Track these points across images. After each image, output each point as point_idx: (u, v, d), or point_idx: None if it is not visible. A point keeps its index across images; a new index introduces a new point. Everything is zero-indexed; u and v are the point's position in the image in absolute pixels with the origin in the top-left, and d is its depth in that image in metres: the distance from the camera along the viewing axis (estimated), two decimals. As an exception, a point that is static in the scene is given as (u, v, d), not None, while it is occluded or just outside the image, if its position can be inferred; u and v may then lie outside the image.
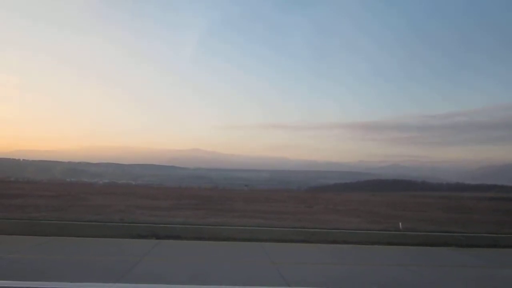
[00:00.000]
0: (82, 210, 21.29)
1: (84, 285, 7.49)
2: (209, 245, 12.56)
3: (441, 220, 24.23)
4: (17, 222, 15.75)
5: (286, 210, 27.81)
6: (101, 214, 19.82)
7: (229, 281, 8.26)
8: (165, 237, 13.24)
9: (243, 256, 11.28)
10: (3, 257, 9.81)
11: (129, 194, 40.37)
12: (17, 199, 27.54)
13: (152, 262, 9.86)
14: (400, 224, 18.42)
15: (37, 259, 9.75)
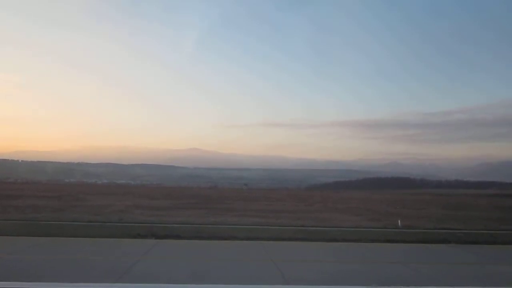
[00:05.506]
0: (81, 211, 21.29)
1: (83, 286, 7.48)
2: (208, 244, 12.56)
3: (440, 217, 24.29)
4: (16, 223, 15.78)
5: (286, 209, 27.84)
6: (100, 214, 19.84)
7: (229, 280, 8.26)
8: (164, 237, 13.24)
9: (243, 254, 11.27)
10: (2, 257, 9.80)
11: (128, 194, 40.37)
12: (16, 200, 27.51)
13: (151, 262, 9.86)
14: (399, 221, 18.48)
15: (36, 259, 9.73)
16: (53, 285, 7.41)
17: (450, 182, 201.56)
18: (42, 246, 11.47)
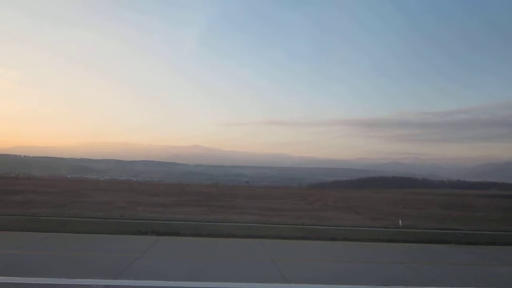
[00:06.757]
0: (83, 207, 21.32)
1: (83, 281, 7.52)
2: (208, 241, 12.59)
3: (441, 217, 24.23)
4: (17, 218, 15.83)
5: (286, 207, 27.81)
6: (101, 210, 19.86)
7: (227, 278, 8.29)
8: (164, 234, 13.28)
9: (242, 252, 11.30)
10: (3, 253, 9.85)
11: (130, 190, 40.40)
12: (18, 195, 27.58)
13: (151, 259, 9.90)
14: (399, 221, 18.47)
15: (37, 255, 9.78)
16: (54, 281, 7.45)
17: (451, 182, 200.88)
18: (43, 242, 11.51)
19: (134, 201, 26.90)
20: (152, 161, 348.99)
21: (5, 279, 7.45)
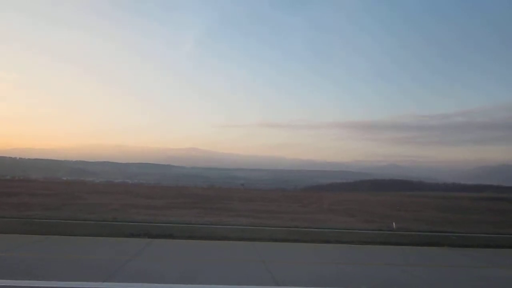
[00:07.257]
0: (77, 209, 21.22)
1: (74, 284, 7.46)
2: (201, 244, 12.55)
3: (436, 220, 24.29)
4: (11, 220, 15.72)
5: (281, 210, 27.80)
6: (95, 213, 19.77)
7: (219, 280, 8.25)
8: (157, 236, 13.21)
9: (235, 255, 11.27)
10: (-6, 255, 9.78)
11: (125, 193, 40.23)
12: (13, 197, 27.41)
13: (143, 261, 9.85)
14: (393, 223, 18.49)
15: (28, 257, 9.70)
16: (45, 283, 7.38)
17: (447, 184, 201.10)
18: (36, 244, 11.43)
19: (128, 203, 26.79)
20: (147, 163, 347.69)
21: (-3, 281, 7.38)
